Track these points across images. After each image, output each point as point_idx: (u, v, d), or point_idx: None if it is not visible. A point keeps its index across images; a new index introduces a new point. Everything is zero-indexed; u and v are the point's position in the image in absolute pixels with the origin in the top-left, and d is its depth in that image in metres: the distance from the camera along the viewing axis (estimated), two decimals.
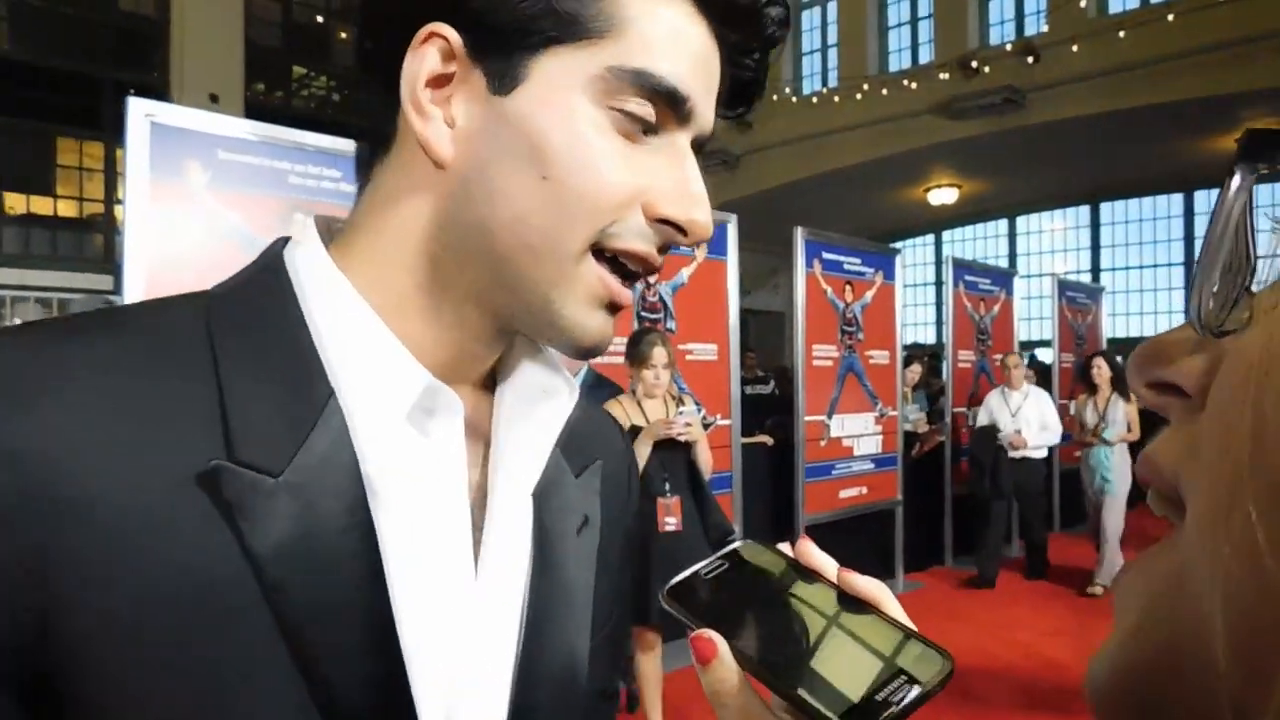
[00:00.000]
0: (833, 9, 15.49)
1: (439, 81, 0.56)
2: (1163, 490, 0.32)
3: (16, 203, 12.71)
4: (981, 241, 18.07)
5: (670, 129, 0.57)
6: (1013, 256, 17.46)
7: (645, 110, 0.55)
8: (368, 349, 0.56)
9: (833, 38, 15.47)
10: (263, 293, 0.57)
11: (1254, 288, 0.28)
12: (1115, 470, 6.32)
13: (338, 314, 0.57)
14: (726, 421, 5.13)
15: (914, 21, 14.68)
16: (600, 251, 0.56)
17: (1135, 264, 16.31)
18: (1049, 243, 17.49)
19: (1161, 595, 0.30)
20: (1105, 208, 16.56)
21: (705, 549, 3.44)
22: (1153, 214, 16.07)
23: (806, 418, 5.67)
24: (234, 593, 0.48)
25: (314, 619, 0.50)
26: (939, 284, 16.50)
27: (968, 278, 7.48)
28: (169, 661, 0.47)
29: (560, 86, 0.54)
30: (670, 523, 3.45)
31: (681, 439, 3.46)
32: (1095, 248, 16.78)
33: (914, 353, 8.56)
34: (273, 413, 0.52)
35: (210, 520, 0.49)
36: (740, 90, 0.61)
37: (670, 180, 0.57)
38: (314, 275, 0.58)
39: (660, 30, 0.55)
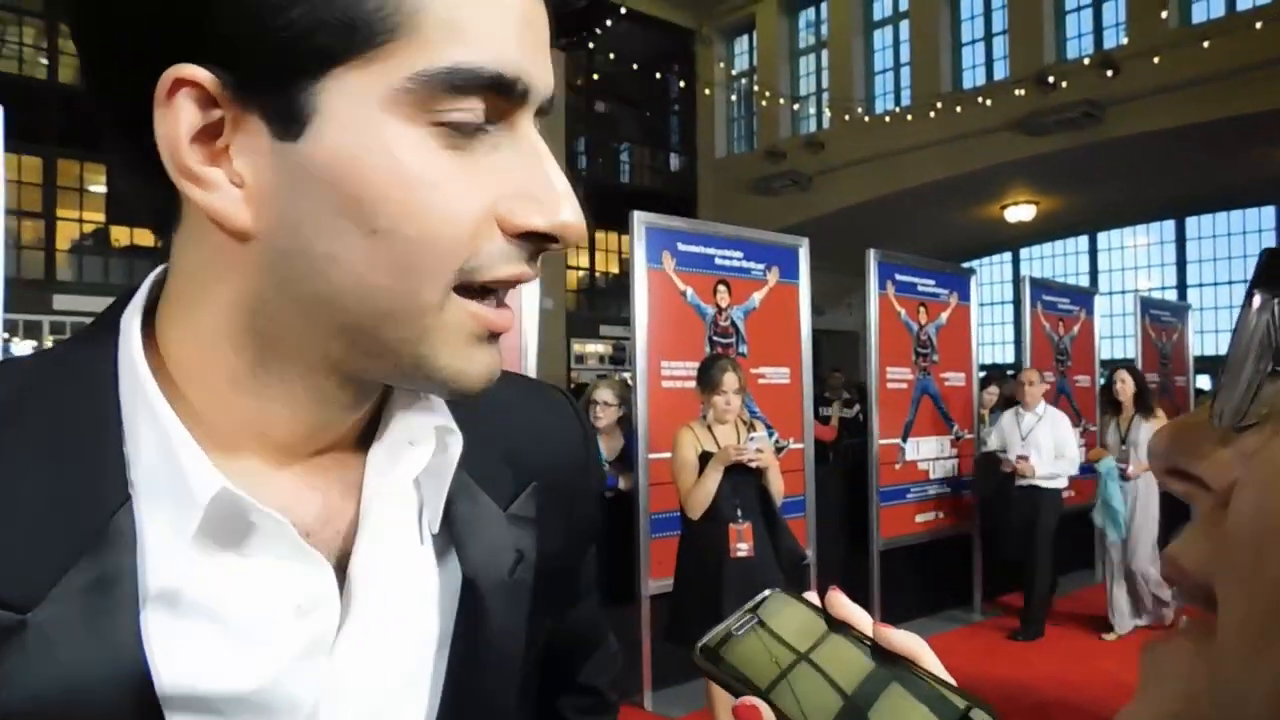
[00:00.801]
0: (905, 27, 15.37)
1: (206, 134, 0.44)
2: (1192, 591, 0.31)
3: (121, 235, 13.30)
4: (1061, 259, 17.65)
5: (507, 115, 0.47)
6: (1094, 274, 17.01)
7: (473, 112, 0.45)
8: (159, 448, 0.47)
9: (905, 56, 15.33)
10: (78, 369, 0.49)
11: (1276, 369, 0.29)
12: (1139, 505, 5.57)
13: (134, 405, 0.48)
14: (799, 445, 5.14)
15: (988, 37, 14.46)
16: (465, 287, 0.48)
17: (1224, 279, 15.73)
18: (1131, 259, 16.99)
19: (1197, 693, 0.30)
20: (1191, 222, 16.04)
21: (777, 574, 3.45)
22: (1241, 228, 15.51)
23: (881, 441, 5.64)
24: None
25: None
26: (1016, 303, 16.17)
27: (1046, 297, 7.33)
28: None
29: (357, 115, 0.44)
30: (742, 548, 3.45)
31: (752, 464, 3.46)
32: (1181, 263, 16.24)
33: (992, 374, 8.41)
34: (35, 529, 0.43)
35: None
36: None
37: (524, 182, 0.47)
38: (126, 355, 0.49)
39: (461, 3, 0.44)
